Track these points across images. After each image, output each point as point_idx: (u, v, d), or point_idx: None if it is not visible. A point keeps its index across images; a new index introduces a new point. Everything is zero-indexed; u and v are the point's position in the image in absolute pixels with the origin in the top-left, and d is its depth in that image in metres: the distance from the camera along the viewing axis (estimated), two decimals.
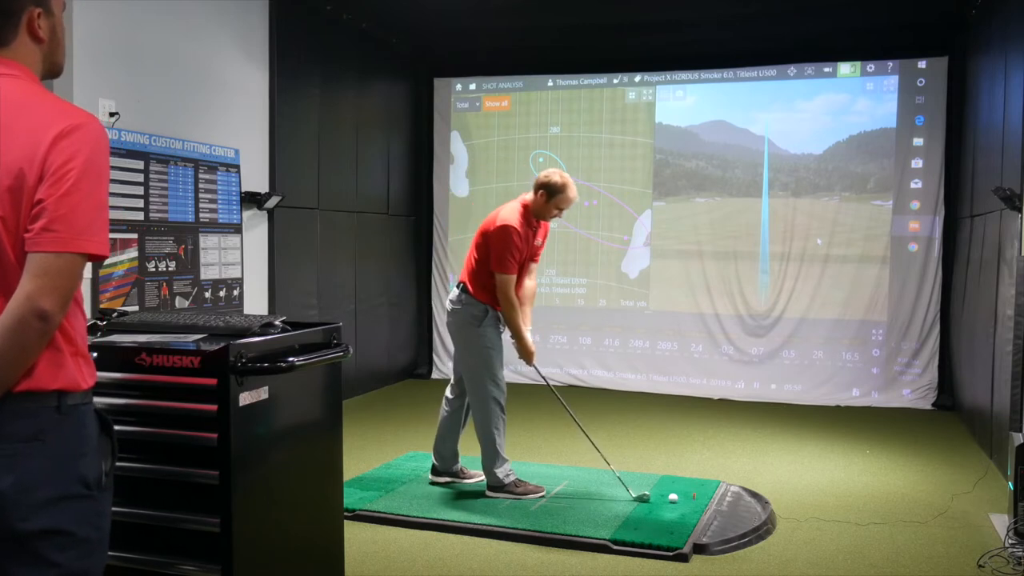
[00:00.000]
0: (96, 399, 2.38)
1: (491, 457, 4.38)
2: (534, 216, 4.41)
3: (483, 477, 4.64)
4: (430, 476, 4.68)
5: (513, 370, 7.62)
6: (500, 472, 4.37)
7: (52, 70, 1.74)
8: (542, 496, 4.37)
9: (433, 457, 4.68)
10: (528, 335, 4.47)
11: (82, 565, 1.61)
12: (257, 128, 6.15)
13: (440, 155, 8.41)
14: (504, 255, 4.25)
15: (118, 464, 2.38)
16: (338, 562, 2.90)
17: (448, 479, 4.66)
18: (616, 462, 5.25)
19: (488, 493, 4.41)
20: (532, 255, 4.50)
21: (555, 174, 4.35)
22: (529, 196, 4.42)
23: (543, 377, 4.90)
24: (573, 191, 4.37)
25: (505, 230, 4.26)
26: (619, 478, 4.48)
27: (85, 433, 1.64)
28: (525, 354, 4.49)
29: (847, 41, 7.31)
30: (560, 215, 4.46)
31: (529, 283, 4.55)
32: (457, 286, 4.49)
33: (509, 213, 4.34)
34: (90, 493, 1.62)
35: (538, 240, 4.50)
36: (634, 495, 4.37)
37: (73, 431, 1.61)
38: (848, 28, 7.17)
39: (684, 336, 7.76)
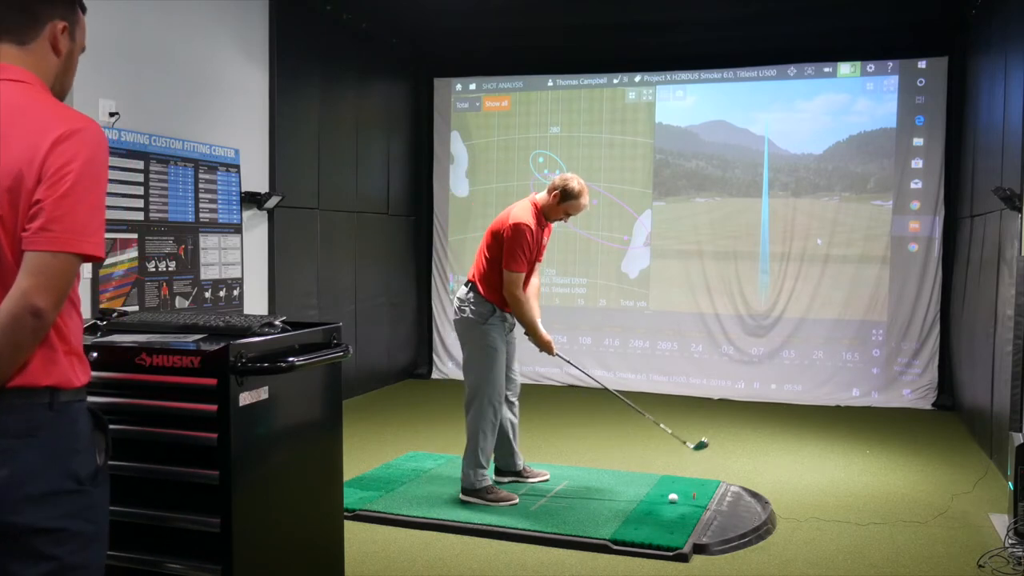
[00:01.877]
0: (97, 399, 2.40)
1: (471, 459, 4.36)
2: (548, 216, 4.45)
3: (547, 476, 4.73)
4: (494, 476, 4.67)
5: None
6: (474, 476, 4.36)
7: (60, 92, 1.78)
8: (514, 503, 4.34)
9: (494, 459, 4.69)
10: (541, 327, 4.49)
11: (79, 558, 1.64)
12: (257, 128, 6.15)
13: (440, 155, 8.41)
14: (517, 253, 4.27)
15: (119, 464, 2.40)
16: (338, 562, 2.90)
17: (511, 478, 4.67)
18: (616, 462, 5.26)
19: (461, 497, 4.39)
20: (538, 254, 4.51)
21: (574, 180, 4.38)
22: (540, 196, 4.43)
23: (571, 363, 4.94)
24: (586, 200, 4.43)
25: (519, 228, 4.27)
26: (672, 434, 4.70)
27: (77, 430, 1.67)
28: (543, 345, 4.50)
29: (847, 41, 7.31)
30: (566, 220, 4.49)
31: (534, 281, 4.58)
32: (466, 284, 4.50)
33: (521, 212, 4.35)
34: (82, 488, 1.65)
35: (544, 239, 4.52)
36: (692, 446, 4.61)
37: (66, 427, 1.64)
38: (848, 28, 7.17)
39: (684, 336, 7.76)
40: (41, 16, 1.69)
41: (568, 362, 4.88)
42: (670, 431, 4.74)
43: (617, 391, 4.85)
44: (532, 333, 4.47)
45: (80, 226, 1.57)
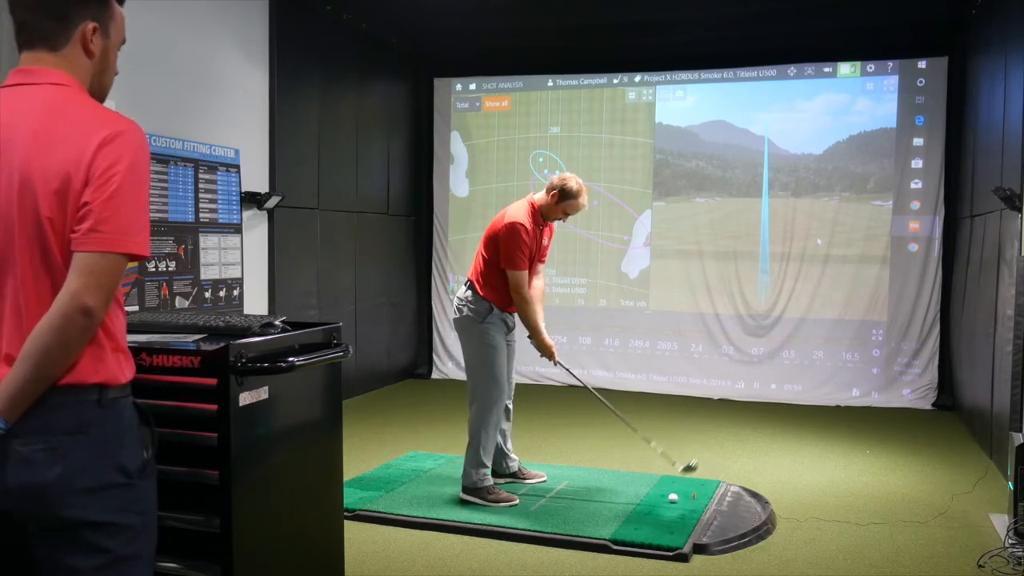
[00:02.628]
0: None
1: (473, 458, 4.36)
2: (545, 215, 4.43)
3: (543, 477, 4.72)
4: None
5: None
6: (476, 476, 4.36)
7: (98, 91, 1.79)
8: (515, 504, 4.33)
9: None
10: (544, 332, 4.47)
11: (131, 549, 1.69)
12: (257, 128, 6.15)
13: (440, 155, 8.41)
14: (514, 252, 4.27)
15: None
16: (338, 562, 2.90)
17: (507, 479, 4.65)
18: (616, 462, 5.26)
19: (462, 496, 4.39)
20: (539, 254, 4.50)
21: (572, 179, 4.37)
22: (539, 196, 4.43)
23: (571, 372, 4.83)
24: (584, 200, 4.40)
25: (513, 227, 4.27)
26: (662, 453, 4.61)
27: (125, 425, 1.71)
28: (545, 351, 4.48)
29: (847, 41, 7.31)
30: (565, 219, 4.49)
31: (538, 283, 4.56)
32: (465, 283, 4.50)
33: (517, 211, 4.36)
34: (131, 481, 1.69)
35: (544, 240, 4.51)
36: (681, 467, 4.53)
37: (114, 423, 1.68)
38: (848, 28, 7.17)
39: (684, 336, 7.76)
40: (72, 19, 1.70)
41: (569, 371, 4.80)
42: (660, 450, 4.67)
43: (614, 408, 4.78)
44: (535, 335, 4.45)
45: (127, 226, 1.61)
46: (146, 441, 1.76)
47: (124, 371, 1.72)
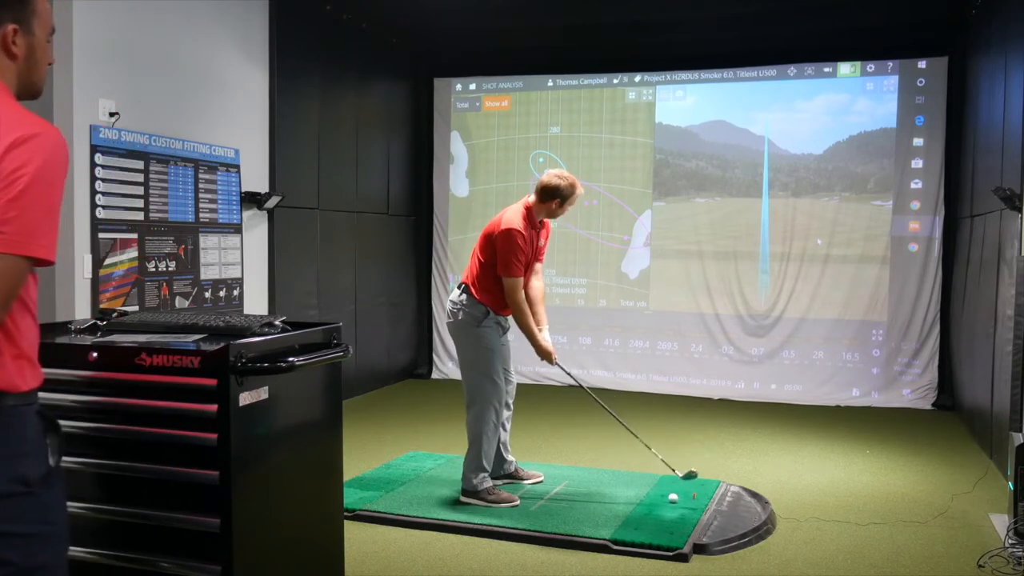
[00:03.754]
0: (97, 399, 2.40)
1: (472, 463, 4.36)
2: (537, 216, 4.41)
3: (540, 477, 4.71)
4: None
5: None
6: (475, 479, 4.35)
7: (29, 90, 1.75)
8: (515, 505, 4.33)
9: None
10: (545, 335, 4.45)
11: (35, 560, 1.64)
12: (257, 128, 6.15)
13: (440, 155, 8.41)
14: (510, 259, 4.24)
15: (121, 463, 2.40)
16: (338, 562, 2.90)
17: (504, 480, 4.64)
18: (616, 462, 5.26)
19: (462, 499, 4.38)
20: (536, 255, 4.49)
21: (555, 175, 4.34)
22: (532, 198, 4.42)
23: (571, 376, 4.80)
24: (576, 189, 4.36)
25: (508, 234, 4.25)
26: (662, 460, 4.57)
27: (25, 434, 1.65)
28: (543, 355, 4.46)
29: (847, 41, 7.31)
30: (563, 212, 4.43)
31: (537, 283, 4.54)
32: (459, 286, 4.48)
33: (512, 216, 4.32)
34: (30, 491, 1.64)
35: (541, 240, 4.50)
36: (681, 474, 4.48)
37: (12, 432, 1.63)
38: (848, 28, 7.17)
39: (684, 336, 7.76)
40: None
41: (569, 374, 4.78)
42: (660, 456, 4.64)
43: (613, 411, 4.78)
44: (532, 341, 4.43)
45: (31, 229, 1.55)
46: (53, 449, 1.71)
47: (26, 378, 1.65)
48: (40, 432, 1.69)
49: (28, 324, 1.69)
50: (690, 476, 4.47)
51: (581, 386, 4.86)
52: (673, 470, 4.55)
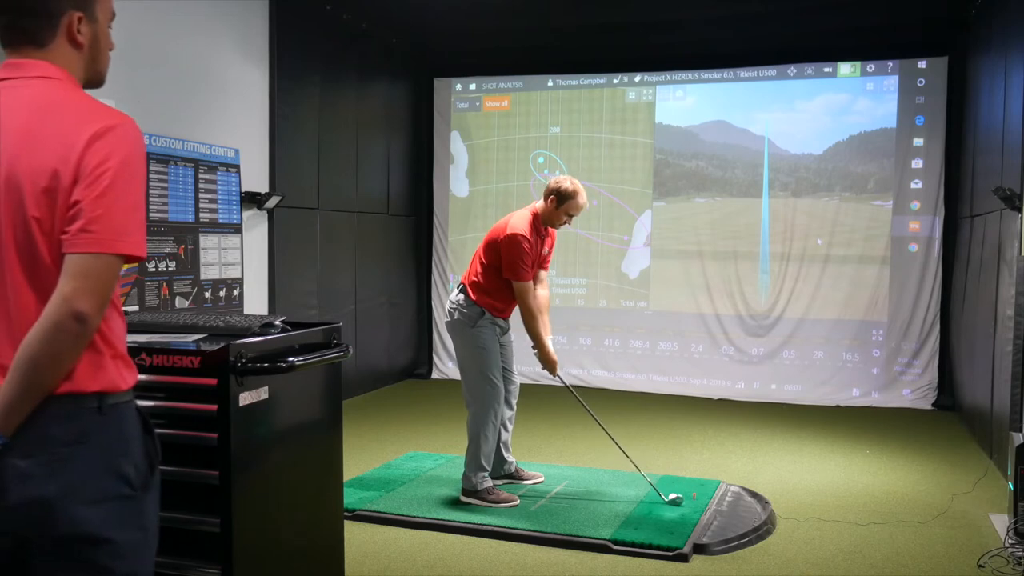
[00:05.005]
0: None
1: (472, 462, 4.36)
2: (543, 223, 4.40)
3: (541, 478, 4.70)
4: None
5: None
6: (475, 479, 4.35)
7: (94, 78, 1.72)
8: (515, 505, 4.32)
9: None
10: (550, 344, 4.44)
11: (130, 568, 1.61)
12: (257, 128, 6.15)
13: (440, 155, 8.41)
14: (516, 263, 4.25)
15: None
16: (338, 562, 2.90)
17: (504, 480, 4.64)
18: (616, 462, 5.25)
19: (462, 498, 4.38)
20: (540, 262, 4.48)
21: (565, 180, 4.34)
22: (539, 203, 4.40)
23: (568, 387, 4.76)
24: (583, 198, 4.35)
25: (514, 239, 4.24)
26: (650, 483, 4.46)
27: (127, 433, 1.63)
28: (548, 363, 4.44)
29: (847, 41, 7.31)
30: (570, 222, 4.42)
31: (542, 292, 4.52)
32: (457, 287, 4.49)
33: (519, 221, 4.31)
34: (133, 493, 1.61)
35: (545, 249, 4.49)
36: (667, 499, 4.33)
37: (115, 431, 1.60)
38: (848, 28, 7.16)
39: (684, 336, 7.76)
40: (55, 13, 1.61)
41: (569, 389, 4.75)
42: (649, 479, 4.50)
43: (606, 427, 4.75)
44: (539, 347, 4.41)
45: (120, 226, 1.52)
46: (150, 453, 1.68)
47: (125, 377, 1.64)
48: (140, 432, 1.67)
49: (119, 323, 1.67)
50: (675, 502, 4.31)
51: (579, 399, 4.77)
52: (659, 493, 4.39)
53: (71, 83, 1.64)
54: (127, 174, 1.54)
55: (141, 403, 2.28)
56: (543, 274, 4.55)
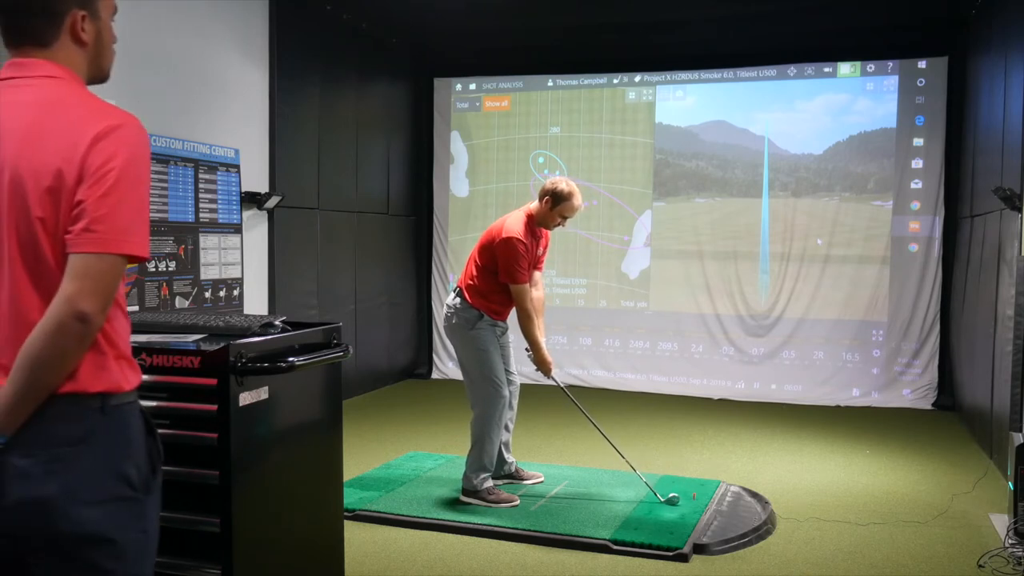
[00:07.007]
0: None
1: (475, 463, 4.35)
2: (538, 224, 4.38)
3: (541, 478, 4.70)
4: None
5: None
6: (476, 479, 4.35)
7: (98, 75, 1.71)
8: (515, 505, 4.32)
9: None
10: (545, 346, 4.43)
11: (131, 569, 1.61)
12: (257, 128, 6.15)
13: (440, 155, 8.41)
14: (512, 266, 4.23)
15: None
16: (338, 562, 2.90)
17: (504, 480, 4.63)
18: (616, 462, 5.25)
19: (462, 498, 4.38)
20: (535, 264, 4.48)
21: (561, 181, 4.31)
22: (534, 204, 4.39)
23: (563, 389, 4.74)
24: (578, 200, 4.33)
25: (509, 242, 4.23)
26: (646, 483, 4.46)
27: (129, 434, 1.63)
28: (542, 366, 4.44)
29: (847, 41, 7.31)
30: (564, 223, 4.39)
31: (537, 294, 4.51)
32: (454, 290, 4.48)
33: (513, 223, 4.30)
34: (135, 495, 1.61)
35: (539, 250, 4.48)
36: (663, 499, 4.33)
37: (117, 432, 1.60)
38: (848, 28, 7.17)
39: (684, 336, 7.76)
40: (58, 12, 1.60)
41: (564, 390, 4.71)
42: (645, 479, 4.51)
43: (602, 429, 4.74)
44: (535, 350, 4.41)
45: (124, 225, 1.52)
46: (152, 455, 1.68)
47: (128, 378, 1.63)
48: (143, 433, 1.66)
49: (123, 323, 1.66)
50: (671, 501, 4.32)
51: (574, 401, 4.75)
52: (655, 492, 4.40)
53: (75, 82, 1.63)
54: (132, 174, 1.54)
55: (141, 403, 2.28)
56: (537, 275, 4.54)
